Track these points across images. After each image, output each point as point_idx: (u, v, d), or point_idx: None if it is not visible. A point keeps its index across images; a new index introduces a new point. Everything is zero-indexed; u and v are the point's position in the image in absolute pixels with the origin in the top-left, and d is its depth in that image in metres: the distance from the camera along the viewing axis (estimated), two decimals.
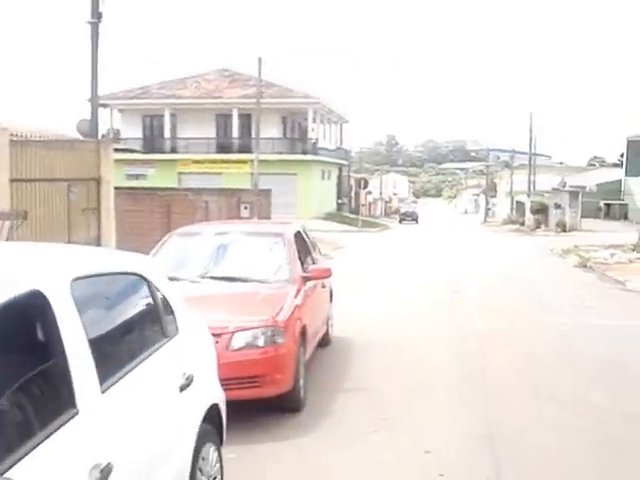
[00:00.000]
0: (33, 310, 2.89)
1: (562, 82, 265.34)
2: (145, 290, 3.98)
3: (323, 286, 9.31)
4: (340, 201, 57.65)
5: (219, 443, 4.61)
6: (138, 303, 3.98)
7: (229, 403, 5.42)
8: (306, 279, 8.23)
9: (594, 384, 8.23)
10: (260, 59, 33.20)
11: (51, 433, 2.68)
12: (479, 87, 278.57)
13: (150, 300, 3.99)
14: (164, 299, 4.15)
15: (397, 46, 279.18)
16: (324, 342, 9.60)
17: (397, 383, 8.25)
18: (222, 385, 5.54)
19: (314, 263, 9.33)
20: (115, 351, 3.54)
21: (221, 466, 4.59)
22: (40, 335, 2.95)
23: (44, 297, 2.89)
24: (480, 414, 7.08)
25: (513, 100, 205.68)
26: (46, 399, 2.82)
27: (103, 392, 3.11)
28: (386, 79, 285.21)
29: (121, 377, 3.33)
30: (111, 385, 3.19)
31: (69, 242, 13.16)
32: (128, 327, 3.77)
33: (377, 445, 6.26)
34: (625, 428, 6.75)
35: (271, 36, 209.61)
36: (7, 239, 7.91)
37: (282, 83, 48.53)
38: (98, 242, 14.61)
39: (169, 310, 4.17)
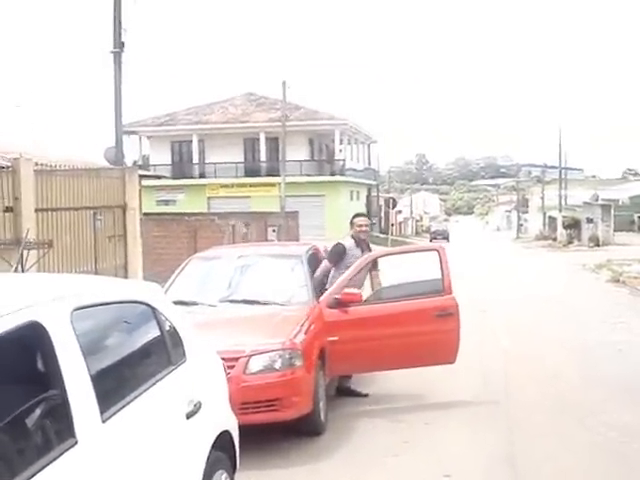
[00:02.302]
0: (31, 341, 2.91)
1: (595, 95, 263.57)
2: (151, 318, 4.00)
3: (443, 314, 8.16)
4: (370, 221, 57.55)
5: (232, 470, 4.59)
6: (143, 331, 4.00)
7: (248, 427, 5.41)
8: (339, 302, 7.94)
9: (616, 403, 8.07)
10: (284, 82, 33.50)
11: (48, 463, 2.69)
12: (509, 102, 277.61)
13: (156, 328, 4.01)
14: (171, 326, 4.16)
15: (426, 66, 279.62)
16: None
17: (420, 404, 8.19)
18: (240, 409, 5.57)
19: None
20: (118, 380, 3.55)
21: None
22: (39, 366, 2.98)
23: (43, 328, 2.91)
24: (503, 436, 6.97)
25: (544, 114, 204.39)
26: (44, 430, 2.83)
27: (104, 421, 3.11)
28: (415, 99, 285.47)
29: (124, 406, 3.33)
30: (113, 414, 3.20)
31: (96, 269, 13.32)
32: (132, 356, 3.78)
33: (397, 470, 6.19)
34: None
35: (298, 59, 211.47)
36: (18, 269, 7.99)
37: (309, 105, 48.83)
38: (125, 269, 14.75)
39: (176, 337, 4.18)
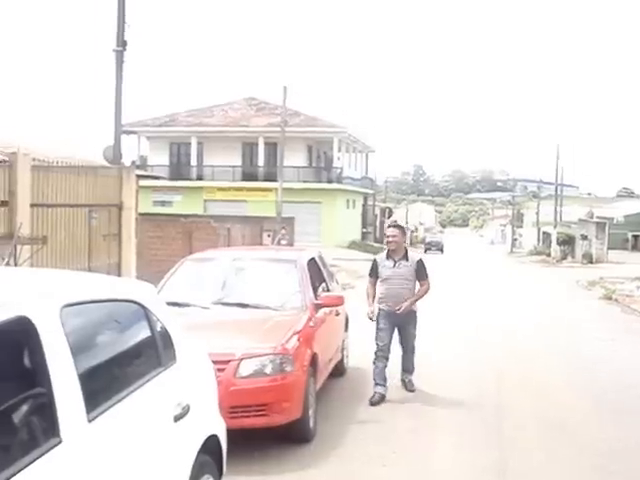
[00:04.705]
0: (19, 336, 2.85)
1: (592, 112, 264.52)
2: (142, 317, 3.94)
3: (337, 314, 9.19)
4: (365, 230, 57.56)
5: (218, 475, 4.52)
6: (133, 331, 3.93)
7: (237, 432, 5.35)
8: (318, 306, 8.15)
9: (608, 420, 8.05)
10: (285, 88, 33.37)
11: (30, 462, 2.62)
12: (507, 117, 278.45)
13: (146, 328, 3.94)
14: (162, 327, 4.10)
15: (426, 78, 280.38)
16: (338, 372, 9.49)
17: (410, 415, 8.11)
18: (229, 413, 5.52)
19: (328, 291, 9.26)
20: (106, 380, 3.47)
21: None
22: (25, 362, 2.91)
23: (31, 323, 2.85)
24: (493, 449, 6.91)
25: (541, 130, 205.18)
26: (28, 428, 2.76)
27: (90, 421, 3.05)
28: (414, 110, 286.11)
29: (111, 406, 3.27)
30: (99, 414, 3.13)
31: (89, 267, 13.24)
32: (121, 355, 3.71)
33: None
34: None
35: (299, 66, 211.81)
36: (10, 263, 7.92)
37: (309, 112, 48.82)
38: (118, 268, 14.66)
39: (167, 338, 4.12)
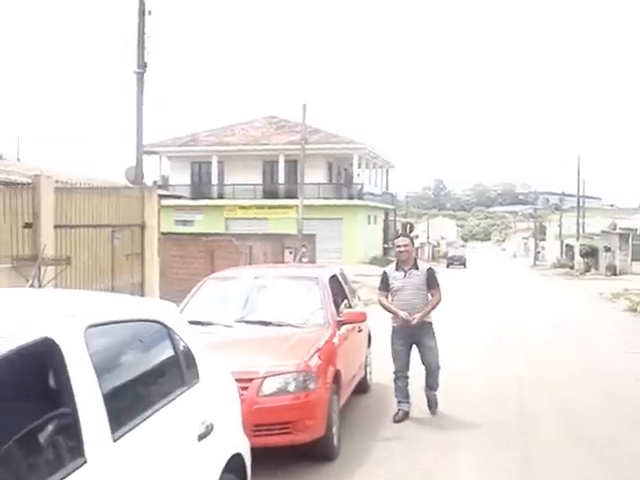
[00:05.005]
0: (44, 357, 2.89)
1: (614, 123, 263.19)
2: (165, 337, 3.96)
3: (360, 330, 9.17)
4: (386, 245, 57.39)
5: None
6: (157, 350, 3.96)
7: (260, 450, 5.35)
8: (340, 323, 8.14)
9: (629, 428, 7.96)
10: (304, 106, 33.53)
11: None
12: (528, 129, 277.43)
13: (170, 347, 3.97)
14: (185, 346, 4.12)
15: (446, 92, 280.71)
16: (361, 388, 9.45)
17: (434, 432, 8.06)
18: (253, 431, 5.53)
19: (350, 307, 9.26)
20: (130, 399, 3.51)
21: None
22: (50, 382, 2.96)
23: (55, 345, 2.89)
24: (517, 466, 6.85)
25: (563, 141, 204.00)
26: (53, 448, 2.79)
27: (115, 441, 3.07)
28: (434, 124, 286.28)
29: (135, 426, 3.29)
30: (124, 434, 3.16)
31: (112, 287, 13.35)
32: (145, 375, 3.73)
33: None
34: None
35: (319, 82, 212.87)
36: (34, 284, 8.02)
37: (328, 129, 48.91)
38: (142, 287, 14.78)
39: (190, 357, 4.14)
